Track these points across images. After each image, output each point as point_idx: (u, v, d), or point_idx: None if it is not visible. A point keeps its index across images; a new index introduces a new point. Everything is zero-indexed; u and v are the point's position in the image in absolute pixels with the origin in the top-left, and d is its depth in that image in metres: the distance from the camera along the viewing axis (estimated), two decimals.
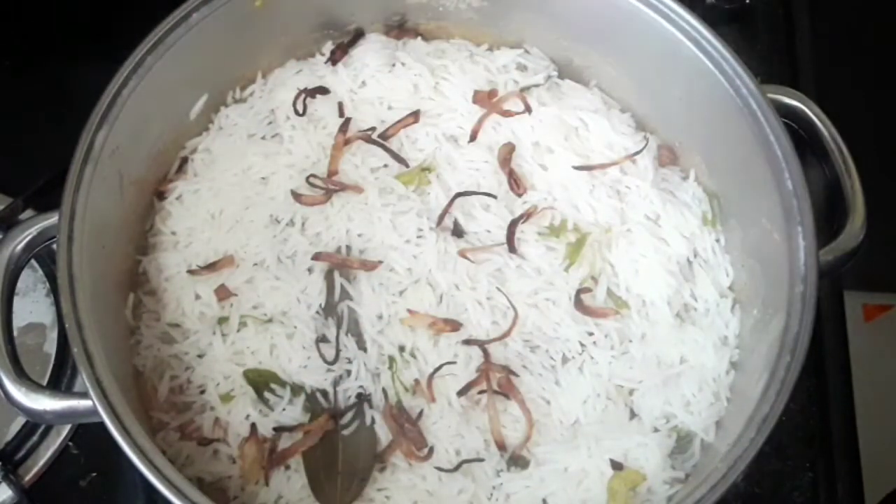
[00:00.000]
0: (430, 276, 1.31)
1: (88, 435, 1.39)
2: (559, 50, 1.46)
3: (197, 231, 1.35)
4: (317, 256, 1.31)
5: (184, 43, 1.30)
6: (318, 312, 1.30)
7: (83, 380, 1.11)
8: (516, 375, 1.27)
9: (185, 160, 1.42)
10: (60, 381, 1.41)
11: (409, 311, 1.28)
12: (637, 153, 1.38)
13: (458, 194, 1.34)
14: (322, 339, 1.28)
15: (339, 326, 1.28)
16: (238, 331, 1.29)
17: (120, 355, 1.25)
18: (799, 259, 1.19)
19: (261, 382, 1.27)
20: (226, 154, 1.39)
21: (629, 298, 1.33)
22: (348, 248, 1.33)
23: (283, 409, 1.26)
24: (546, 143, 1.39)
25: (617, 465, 1.23)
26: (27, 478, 1.38)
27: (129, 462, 1.09)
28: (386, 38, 1.46)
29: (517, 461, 1.25)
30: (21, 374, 1.15)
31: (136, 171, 1.33)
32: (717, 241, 1.37)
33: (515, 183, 1.36)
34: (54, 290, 1.44)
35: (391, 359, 1.28)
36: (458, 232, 1.34)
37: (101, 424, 1.11)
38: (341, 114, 1.41)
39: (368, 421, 1.25)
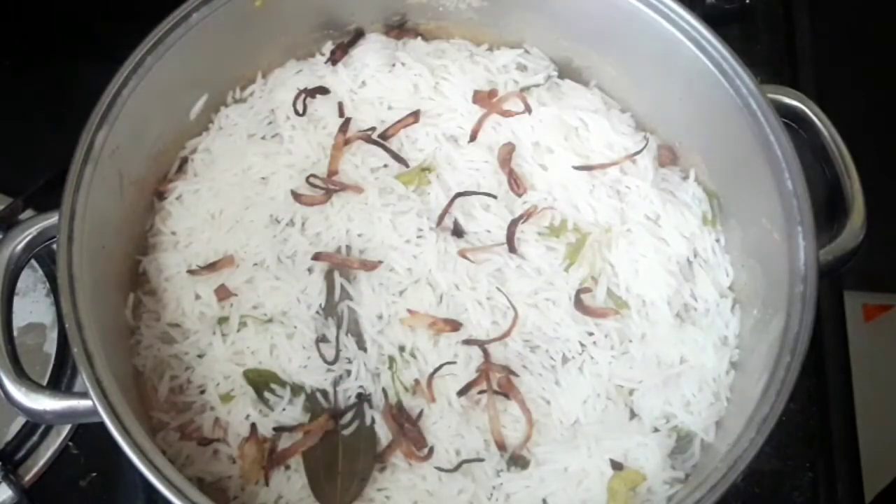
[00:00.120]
0: (430, 276, 1.31)
1: (88, 435, 1.39)
2: (559, 50, 1.46)
3: (197, 231, 1.35)
4: (317, 256, 1.31)
5: (184, 43, 1.30)
6: (318, 312, 1.30)
7: (83, 380, 1.11)
8: (516, 375, 1.27)
9: (185, 160, 1.42)
10: (60, 381, 1.41)
11: (409, 311, 1.29)
12: (637, 153, 1.38)
13: (458, 194, 1.34)
14: (322, 339, 1.28)
15: (339, 326, 1.28)
16: (238, 331, 1.29)
17: (120, 355, 1.25)
18: (799, 259, 1.19)
19: (261, 382, 1.27)
20: (226, 154, 1.39)
21: (629, 298, 1.33)
22: (348, 248, 1.33)
23: (283, 409, 1.26)
24: (546, 143, 1.39)
25: (617, 465, 1.23)
26: (27, 478, 1.38)
27: (129, 462, 1.09)
28: (386, 38, 1.46)
29: (517, 461, 1.25)
30: (21, 374, 1.15)
31: (136, 171, 1.33)
32: (717, 241, 1.37)
33: (515, 183, 1.36)
34: (54, 290, 1.44)
35: (391, 359, 1.28)
36: (458, 232, 1.34)
37: (101, 424, 1.11)
38: (341, 114, 1.41)
39: (368, 421, 1.25)
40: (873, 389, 1.61)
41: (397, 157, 1.37)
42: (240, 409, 1.26)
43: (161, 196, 1.39)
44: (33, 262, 1.44)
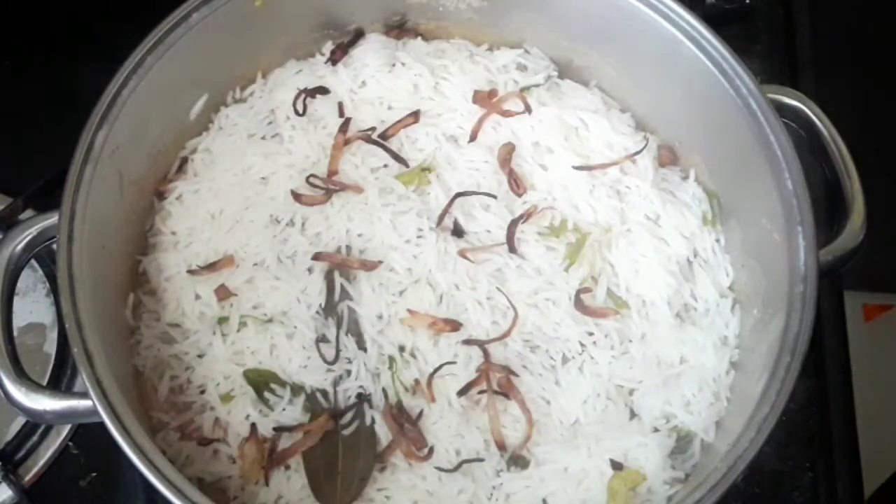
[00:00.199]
0: (430, 276, 1.31)
1: (88, 435, 1.39)
2: (559, 50, 1.46)
3: (197, 231, 1.35)
4: (317, 256, 1.31)
5: (184, 43, 1.30)
6: (318, 312, 1.30)
7: (83, 380, 1.11)
8: (516, 375, 1.27)
9: (185, 160, 1.42)
10: (60, 381, 1.41)
11: (409, 311, 1.28)
12: (637, 153, 1.38)
13: (458, 194, 1.34)
14: (322, 339, 1.28)
15: (339, 326, 1.28)
16: (238, 331, 1.29)
17: (120, 355, 1.25)
18: (799, 259, 1.19)
19: (261, 382, 1.27)
20: (226, 154, 1.39)
21: (629, 298, 1.33)
22: (348, 248, 1.33)
23: (283, 409, 1.26)
24: (546, 143, 1.39)
25: (617, 465, 1.23)
26: (27, 478, 1.38)
27: (129, 462, 1.09)
28: (386, 38, 1.46)
29: (517, 461, 1.25)
30: (21, 374, 1.15)
31: (136, 171, 1.33)
32: (717, 241, 1.37)
33: (515, 183, 1.36)
34: (54, 290, 1.44)
35: (391, 359, 1.28)
36: (458, 232, 1.34)
37: (101, 424, 1.11)
38: (341, 114, 1.41)
39: (368, 421, 1.25)
40: (873, 389, 1.61)
41: (397, 157, 1.37)
42: (240, 409, 1.26)
43: (161, 196, 1.39)
44: (33, 262, 1.44)
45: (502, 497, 1.24)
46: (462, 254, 1.31)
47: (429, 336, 1.28)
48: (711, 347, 1.29)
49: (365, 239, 1.33)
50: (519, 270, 1.32)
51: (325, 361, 1.27)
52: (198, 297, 1.31)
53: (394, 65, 1.43)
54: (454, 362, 1.26)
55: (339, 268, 1.31)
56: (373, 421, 1.25)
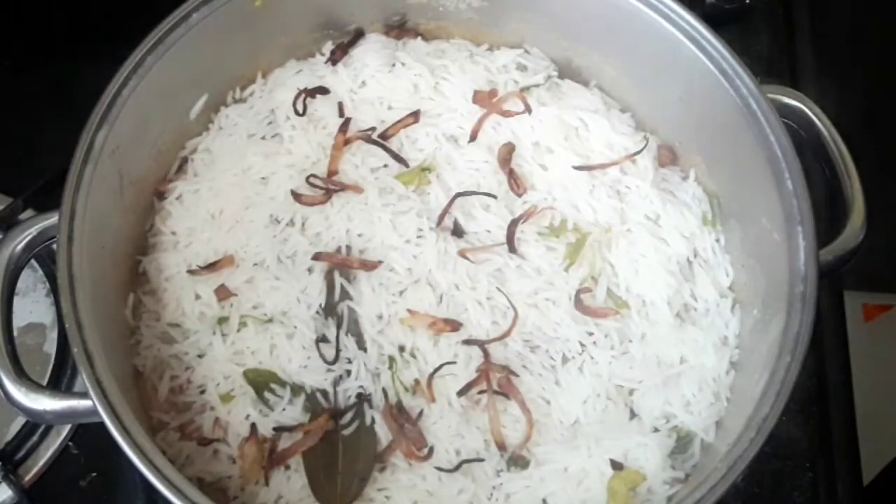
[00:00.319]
0: (430, 276, 1.31)
1: (88, 435, 1.39)
2: (559, 50, 1.46)
3: (197, 231, 1.35)
4: (317, 256, 1.31)
5: (184, 43, 1.30)
6: (318, 312, 1.30)
7: (83, 380, 1.11)
8: (516, 375, 1.27)
9: (185, 160, 1.42)
10: (60, 381, 1.41)
11: (409, 311, 1.28)
12: (637, 153, 1.38)
13: (458, 194, 1.34)
14: (322, 339, 1.28)
15: (339, 326, 1.28)
16: (238, 331, 1.29)
17: (120, 355, 1.25)
18: (799, 259, 1.19)
19: (261, 382, 1.27)
20: (226, 154, 1.39)
21: (629, 298, 1.33)
22: (348, 248, 1.33)
23: (283, 409, 1.26)
24: (546, 143, 1.39)
25: (617, 465, 1.23)
26: (27, 478, 1.38)
27: (129, 462, 1.09)
28: (386, 38, 1.46)
29: (517, 461, 1.25)
30: (21, 374, 1.15)
31: (136, 171, 1.33)
32: (717, 241, 1.37)
33: (515, 183, 1.36)
34: (54, 290, 1.44)
35: (391, 359, 1.28)
36: (458, 232, 1.34)
37: (101, 424, 1.11)
38: (341, 114, 1.41)
39: (368, 421, 1.25)
40: (873, 389, 1.61)
41: (397, 157, 1.37)
42: (240, 409, 1.26)
43: (161, 196, 1.39)
44: (33, 262, 1.44)
45: (502, 497, 1.24)
46: (462, 254, 1.31)
47: (429, 336, 1.28)
48: (711, 347, 1.29)
49: (365, 239, 1.33)
50: (519, 270, 1.32)
51: (325, 361, 1.27)
52: (198, 297, 1.31)
53: (394, 65, 1.43)
54: (454, 362, 1.26)
55: (339, 268, 1.31)
56: (373, 421, 1.25)
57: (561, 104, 1.41)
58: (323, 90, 1.42)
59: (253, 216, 1.35)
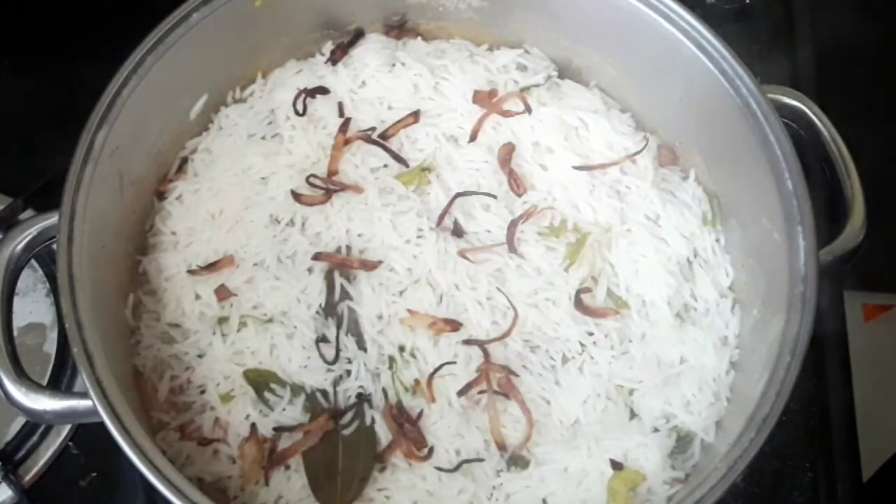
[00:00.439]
0: (430, 276, 1.31)
1: (88, 435, 1.39)
2: (559, 50, 1.46)
3: (197, 231, 1.35)
4: (317, 256, 1.31)
5: (184, 43, 1.30)
6: (318, 312, 1.30)
7: (83, 380, 1.11)
8: (516, 375, 1.27)
9: (185, 160, 1.42)
10: (60, 381, 1.41)
11: (409, 311, 1.29)
12: (637, 153, 1.38)
13: (458, 194, 1.34)
14: (322, 339, 1.28)
15: (339, 326, 1.28)
16: (238, 331, 1.29)
17: (120, 355, 1.25)
18: (799, 259, 1.19)
19: (261, 382, 1.27)
20: (226, 154, 1.39)
21: (629, 298, 1.33)
22: (348, 248, 1.33)
23: (283, 409, 1.26)
24: (546, 143, 1.39)
25: (617, 465, 1.23)
26: (27, 478, 1.38)
27: (129, 462, 1.09)
28: (386, 38, 1.46)
29: (517, 461, 1.25)
30: (21, 374, 1.15)
31: (136, 171, 1.33)
32: (717, 241, 1.37)
33: (515, 183, 1.36)
34: (54, 290, 1.44)
35: (391, 359, 1.28)
36: (458, 232, 1.34)
37: (101, 424, 1.11)
38: (341, 114, 1.41)
39: (368, 421, 1.25)
40: (873, 389, 1.61)
41: (397, 157, 1.37)
42: (240, 409, 1.26)
43: (161, 196, 1.39)
44: (33, 262, 1.44)
45: (502, 497, 1.24)
46: (462, 254, 1.31)
47: (429, 336, 1.28)
48: (711, 347, 1.29)
49: (365, 239, 1.33)
50: (519, 270, 1.32)
51: (325, 361, 1.27)
52: (198, 297, 1.31)
53: (394, 65, 1.43)
54: (454, 362, 1.26)
55: (339, 268, 1.31)
56: (373, 421, 1.25)
57: (561, 104, 1.41)
58: (323, 90, 1.42)
59: (253, 216, 1.35)
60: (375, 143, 1.38)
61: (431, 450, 1.24)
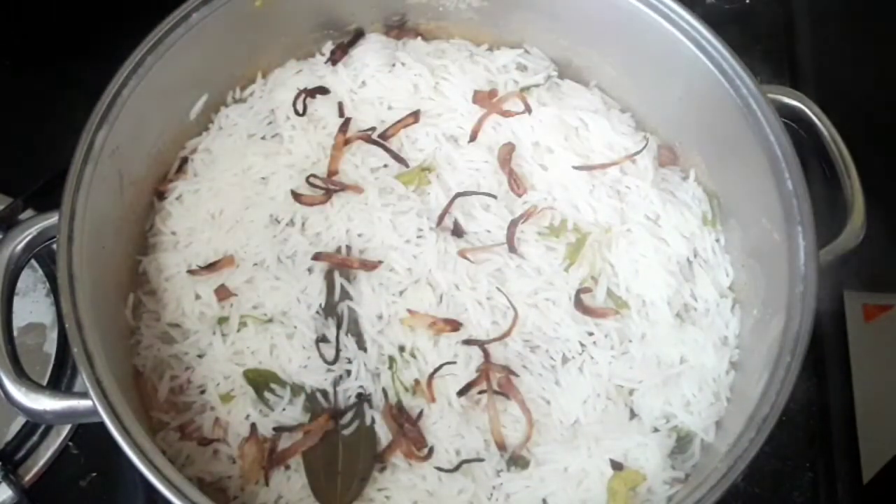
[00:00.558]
0: (430, 276, 1.31)
1: (88, 435, 1.39)
2: (559, 50, 1.46)
3: (197, 231, 1.35)
4: (317, 256, 1.31)
5: (184, 43, 1.30)
6: (318, 312, 1.30)
7: (83, 380, 1.11)
8: (516, 375, 1.27)
9: (185, 160, 1.42)
10: (60, 381, 1.41)
11: (409, 311, 1.29)
12: (637, 153, 1.38)
13: (458, 194, 1.34)
14: (322, 339, 1.28)
15: (339, 326, 1.28)
16: (238, 331, 1.29)
17: (120, 355, 1.25)
18: (799, 259, 1.19)
19: (261, 382, 1.27)
20: (226, 154, 1.39)
21: (629, 298, 1.33)
22: (348, 248, 1.33)
23: (283, 409, 1.26)
24: (546, 143, 1.39)
25: (617, 465, 1.23)
26: (27, 478, 1.38)
27: (129, 462, 1.09)
28: (386, 38, 1.46)
29: (517, 461, 1.25)
30: (21, 374, 1.15)
31: (136, 171, 1.33)
32: (717, 241, 1.37)
33: (515, 183, 1.36)
34: (54, 290, 1.44)
35: (391, 359, 1.28)
36: (458, 232, 1.34)
37: (101, 424, 1.11)
38: (341, 114, 1.41)
39: (368, 421, 1.25)
40: (873, 389, 1.61)
41: (397, 157, 1.37)
42: (240, 409, 1.26)
43: (161, 196, 1.39)
44: (33, 262, 1.44)
45: (502, 497, 1.24)
46: (462, 254, 1.31)
47: (429, 336, 1.28)
48: (711, 347, 1.29)
49: (365, 239, 1.33)
50: (519, 270, 1.32)
51: (325, 361, 1.27)
52: (198, 297, 1.31)
53: (394, 65, 1.43)
54: (454, 362, 1.26)
55: (339, 268, 1.31)
56: (373, 421, 1.25)
57: (561, 104, 1.41)
58: (323, 90, 1.42)
59: (253, 216, 1.35)
60: (375, 143, 1.38)
61: (431, 450, 1.24)
